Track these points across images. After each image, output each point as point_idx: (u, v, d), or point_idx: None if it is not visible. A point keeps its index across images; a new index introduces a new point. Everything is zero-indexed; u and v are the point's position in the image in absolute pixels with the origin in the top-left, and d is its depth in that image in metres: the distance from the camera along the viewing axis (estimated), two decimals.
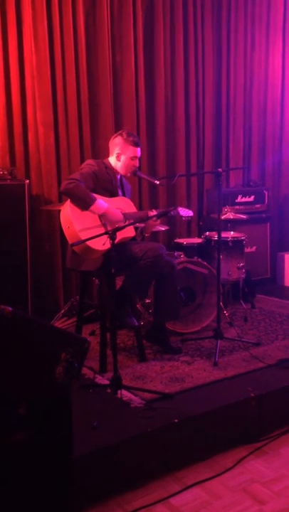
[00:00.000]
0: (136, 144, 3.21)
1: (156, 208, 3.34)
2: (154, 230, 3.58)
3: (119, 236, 3.05)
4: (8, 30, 3.78)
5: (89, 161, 3.23)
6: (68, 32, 3.99)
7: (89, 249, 2.91)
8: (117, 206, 3.16)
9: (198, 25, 4.75)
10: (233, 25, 4.96)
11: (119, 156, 3.21)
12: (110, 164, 3.25)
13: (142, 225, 3.25)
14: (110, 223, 3.05)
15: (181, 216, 3.40)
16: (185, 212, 3.41)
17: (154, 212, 3.20)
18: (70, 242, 2.96)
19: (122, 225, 2.91)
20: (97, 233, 2.75)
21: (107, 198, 3.12)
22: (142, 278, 3.11)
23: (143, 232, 3.31)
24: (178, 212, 3.36)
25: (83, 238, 2.78)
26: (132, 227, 3.16)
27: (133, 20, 4.32)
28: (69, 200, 3.01)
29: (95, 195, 3.03)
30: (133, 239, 3.25)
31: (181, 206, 3.49)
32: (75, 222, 2.94)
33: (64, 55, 4.01)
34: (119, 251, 2.98)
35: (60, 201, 3.89)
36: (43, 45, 3.88)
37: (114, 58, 4.29)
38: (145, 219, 3.16)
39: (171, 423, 2.39)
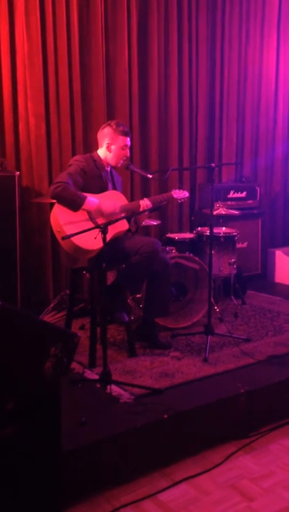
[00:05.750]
0: (126, 134, 3.17)
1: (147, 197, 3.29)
2: (147, 222, 3.57)
3: (113, 231, 3.01)
4: (0, 19, 3.71)
5: (77, 157, 3.19)
6: (61, 21, 3.93)
7: (80, 250, 2.87)
8: (108, 200, 3.12)
9: (192, 19, 4.71)
10: (228, 19, 4.92)
11: (109, 147, 3.17)
12: (99, 157, 3.20)
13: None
14: (105, 217, 3.01)
15: (176, 199, 3.36)
16: (179, 194, 3.36)
17: (145, 201, 3.17)
18: (64, 246, 2.92)
19: (114, 218, 2.87)
20: (85, 228, 2.69)
21: (97, 194, 3.09)
22: (136, 272, 3.08)
23: (137, 223, 3.28)
24: (171, 196, 3.32)
25: (69, 233, 2.73)
26: (125, 220, 3.13)
27: (127, 12, 4.27)
28: (56, 202, 2.96)
29: (85, 193, 2.98)
30: (128, 231, 3.22)
31: (174, 189, 3.42)
32: (61, 217, 2.89)
33: (56, 44, 3.95)
34: (113, 246, 2.95)
35: None
36: (35, 34, 3.81)
37: (107, 49, 4.24)
38: (138, 213, 3.14)
39: (161, 419, 2.38)
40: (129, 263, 3.05)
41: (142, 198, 3.29)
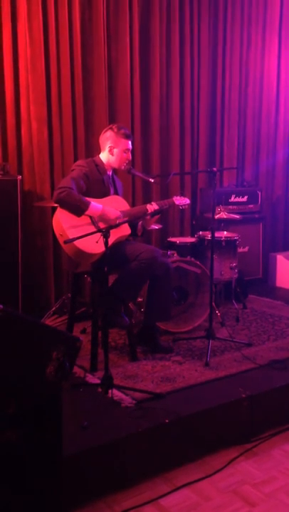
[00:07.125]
0: (127, 137, 3.18)
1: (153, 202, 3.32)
2: (153, 225, 3.59)
3: (115, 236, 3.01)
4: (3, 23, 3.73)
5: (79, 162, 3.19)
6: (64, 26, 3.95)
7: (83, 253, 2.87)
8: (110, 205, 3.13)
9: (194, 23, 4.73)
10: (230, 24, 4.94)
11: (112, 150, 3.18)
12: (101, 161, 3.21)
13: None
14: (107, 222, 3.01)
15: (177, 205, 3.37)
16: (180, 200, 3.37)
17: (153, 205, 3.20)
18: (66, 250, 2.92)
19: (116, 222, 2.87)
20: (88, 232, 2.69)
21: (100, 199, 3.09)
22: (132, 280, 3.06)
23: (145, 226, 3.29)
24: (173, 203, 3.34)
25: (71, 237, 2.74)
26: (127, 225, 3.14)
27: (129, 17, 4.29)
28: (58, 207, 2.97)
29: (88, 198, 2.99)
30: (130, 235, 3.22)
31: (176, 195, 3.44)
32: (64, 221, 2.89)
33: (59, 49, 3.97)
34: (115, 250, 2.95)
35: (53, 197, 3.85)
36: (37, 39, 3.83)
37: (109, 54, 4.25)
38: (139, 218, 3.14)
39: (162, 423, 2.37)
40: (127, 269, 3.04)
41: (143, 203, 3.31)
